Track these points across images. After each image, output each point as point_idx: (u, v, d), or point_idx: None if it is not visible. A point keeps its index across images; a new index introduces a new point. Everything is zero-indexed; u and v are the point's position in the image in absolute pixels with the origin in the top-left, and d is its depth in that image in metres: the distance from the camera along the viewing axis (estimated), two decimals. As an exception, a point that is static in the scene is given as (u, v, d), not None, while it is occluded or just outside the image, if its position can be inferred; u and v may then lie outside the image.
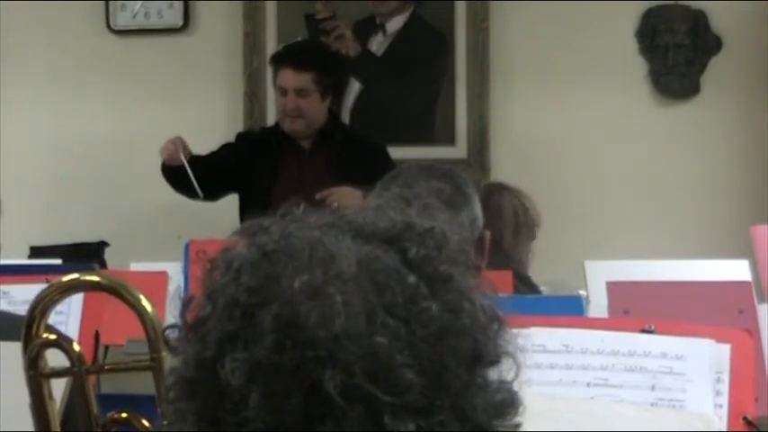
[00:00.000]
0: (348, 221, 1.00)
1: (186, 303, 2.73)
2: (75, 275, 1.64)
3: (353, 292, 0.93)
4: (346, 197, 3.98)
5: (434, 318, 0.94)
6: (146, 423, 1.60)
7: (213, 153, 4.53)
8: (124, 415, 1.62)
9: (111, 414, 1.62)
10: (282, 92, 4.48)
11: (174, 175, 4.43)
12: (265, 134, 4.69)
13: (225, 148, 4.59)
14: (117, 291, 1.60)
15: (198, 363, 0.96)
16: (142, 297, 1.59)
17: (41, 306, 1.59)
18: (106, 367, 1.71)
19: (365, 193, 2.81)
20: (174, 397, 0.98)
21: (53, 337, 1.60)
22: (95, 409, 1.62)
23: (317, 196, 4.02)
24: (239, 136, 4.71)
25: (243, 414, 0.92)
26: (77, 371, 1.61)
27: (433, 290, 0.96)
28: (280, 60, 4.56)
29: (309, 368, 0.91)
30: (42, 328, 1.58)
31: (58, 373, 1.63)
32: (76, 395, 1.62)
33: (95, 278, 1.67)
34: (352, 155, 4.45)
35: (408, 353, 0.92)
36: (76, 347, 1.61)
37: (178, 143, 4.36)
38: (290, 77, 4.46)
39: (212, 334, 0.95)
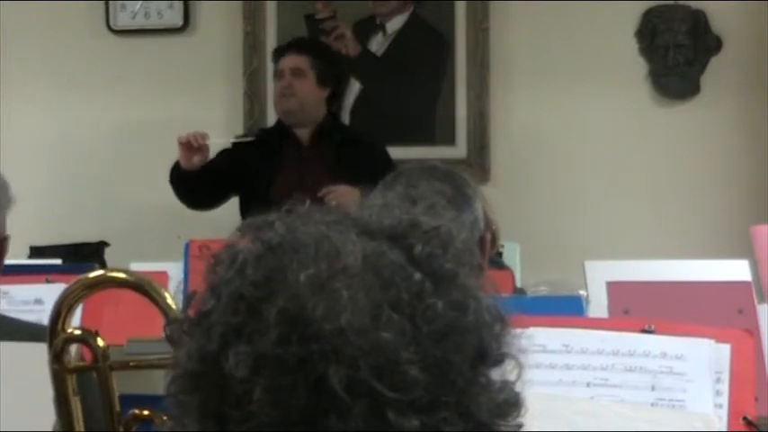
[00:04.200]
0: (353, 218, 1.00)
1: (188, 298, 2.72)
2: (101, 272, 1.65)
3: (359, 286, 0.93)
4: (344, 196, 3.99)
5: (439, 315, 0.94)
6: (168, 421, 1.60)
7: (212, 161, 4.48)
8: (146, 413, 1.61)
9: (133, 411, 1.62)
10: (280, 75, 4.54)
11: (185, 179, 4.39)
12: (264, 135, 4.68)
13: (222, 154, 4.57)
14: (143, 288, 1.61)
15: (201, 356, 0.95)
16: (167, 295, 1.60)
17: (67, 302, 1.59)
18: (131, 364, 1.70)
19: (364, 192, 2.81)
20: (177, 390, 0.97)
21: (78, 331, 1.61)
22: (117, 405, 1.61)
23: (318, 194, 4.01)
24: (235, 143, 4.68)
25: (247, 408, 0.92)
26: (101, 366, 1.61)
27: (438, 287, 0.95)
28: (283, 49, 4.64)
29: (314, 362, 0.91)
30: (68, 323, 1.59)
31: (82, 369, 1.63)
32: (99, 391, 1.62)
33: (122, 275, 1.67)
34: (351, 154, 4.44)
35: (413, 349, 0.92)
36: (101, 342, 1.61)
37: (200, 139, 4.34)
38: (288, 59, 4.53)
39: (216, 327, 0.95)
